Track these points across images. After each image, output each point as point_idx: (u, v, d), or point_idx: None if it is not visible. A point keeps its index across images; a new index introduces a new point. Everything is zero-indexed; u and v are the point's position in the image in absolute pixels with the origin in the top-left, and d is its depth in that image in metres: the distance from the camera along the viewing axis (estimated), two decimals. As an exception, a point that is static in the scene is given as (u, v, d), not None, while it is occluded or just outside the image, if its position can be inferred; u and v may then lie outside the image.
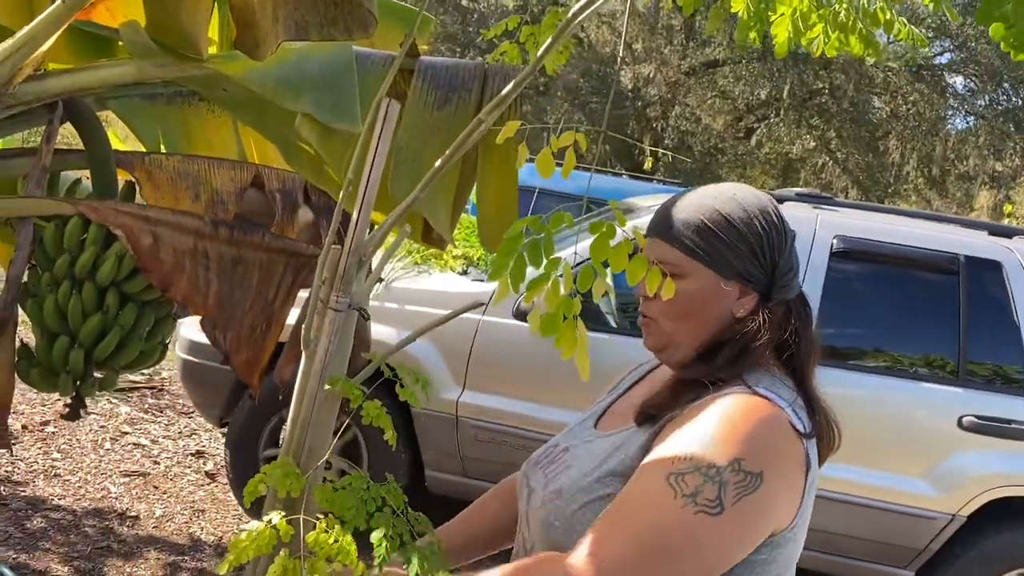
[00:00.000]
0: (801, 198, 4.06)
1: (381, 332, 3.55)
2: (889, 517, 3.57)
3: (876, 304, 3.86)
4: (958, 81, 17.23)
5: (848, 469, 3.42)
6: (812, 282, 3.56)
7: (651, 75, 16.72)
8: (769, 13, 1.43)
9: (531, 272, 0.97)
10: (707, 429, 1.06)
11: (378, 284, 3.55)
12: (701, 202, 1.19)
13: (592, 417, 1.33)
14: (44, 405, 4.72)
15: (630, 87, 17.09)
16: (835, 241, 3.73)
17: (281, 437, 3.92)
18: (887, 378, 3.69)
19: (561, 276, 0.92)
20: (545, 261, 0.92)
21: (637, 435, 1.16)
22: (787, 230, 1.21)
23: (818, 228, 3.74)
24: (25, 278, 1.82)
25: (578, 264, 0.89)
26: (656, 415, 1.14)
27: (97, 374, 1.92)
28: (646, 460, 1.08)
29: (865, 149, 17.65)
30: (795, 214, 3.71)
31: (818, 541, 3.16)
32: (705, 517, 1.00)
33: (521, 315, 3.71)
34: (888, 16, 1.35)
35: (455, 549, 1.39)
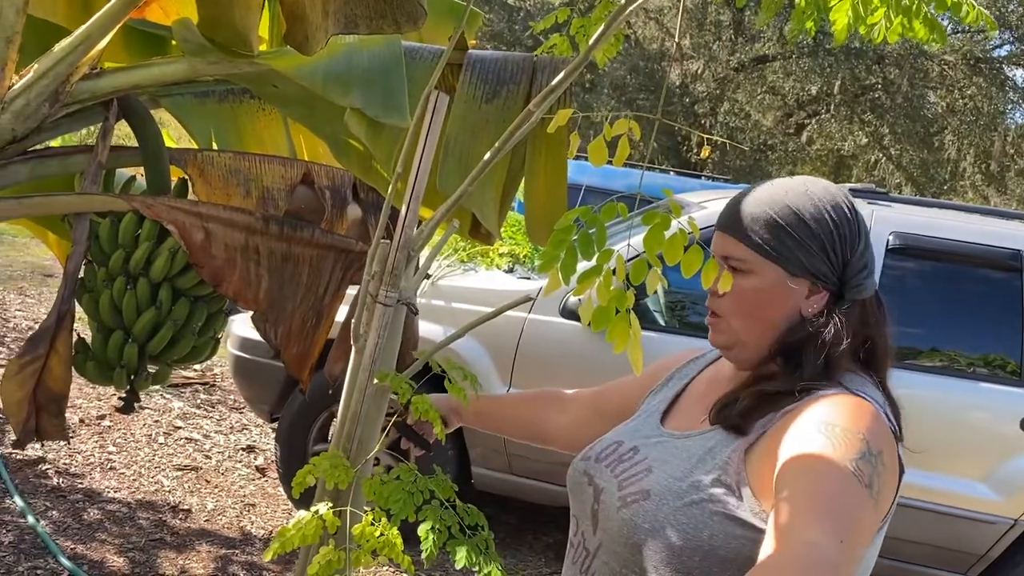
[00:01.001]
0: (856, 193, 3.97)
1: (428, 330, 3.56)
2: (947, 521, 3.47)
3: (933, 302, 3.76)
4: (1018, 74, 16.76)
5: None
6: (867, 279, 3.48)
7: (699, 71, 16.55)
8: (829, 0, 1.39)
9: (582, 265, 0.95)
10: (838, 420, 1.03)
11: (424, 281, 3.56)
12: (772, 196, 1.16)
13: (655, 414, 1.29)
14: (100, 399, 4.82)
15: (678, 83, 16.94)
16: (891, 237, 3.64)
17: (330, 433, 3.95)
18: (945, 378, 3.59)
19: (613, 268, 0.90)
20: (597, 253, 0.90)
21: (727, 440, 1.12)
22: (861, 227, 1.17)
23: (873, 224, 3.65)
24: (81, 273, 1.86)
25: (631, 258, 0.87)
26: (741, 424, 1.11)
27: (151, 368, 1.95)
28: (786, 456, 1.02)
29: (920, 145, 17.25)
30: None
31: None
32: (874, 507, 0.99)
33: (568, 313, 3.69)
34: (954, -1, 1.30)
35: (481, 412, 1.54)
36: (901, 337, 4.10)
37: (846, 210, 1.16)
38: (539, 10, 17.38)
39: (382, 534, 1.06)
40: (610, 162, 1.02)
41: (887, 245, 3.62)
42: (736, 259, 1.15)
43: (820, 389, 1.10)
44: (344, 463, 1.21)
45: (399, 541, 1.05)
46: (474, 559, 0.98)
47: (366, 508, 1.15)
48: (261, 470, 4.43)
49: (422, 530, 1.04)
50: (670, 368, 1.40)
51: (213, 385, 5.56)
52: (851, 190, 4.01)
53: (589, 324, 0.89)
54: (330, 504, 1.12)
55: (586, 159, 1.08)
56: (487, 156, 1.23)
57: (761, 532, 1.01)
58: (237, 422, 5.04)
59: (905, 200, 4.36)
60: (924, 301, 3.77)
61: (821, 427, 1.02)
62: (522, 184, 1.83)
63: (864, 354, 1.18)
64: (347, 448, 1.32)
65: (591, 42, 1.11)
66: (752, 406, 1.12)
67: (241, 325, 4.02)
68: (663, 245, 0.88)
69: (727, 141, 1.33)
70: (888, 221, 3.71)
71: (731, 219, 1.18)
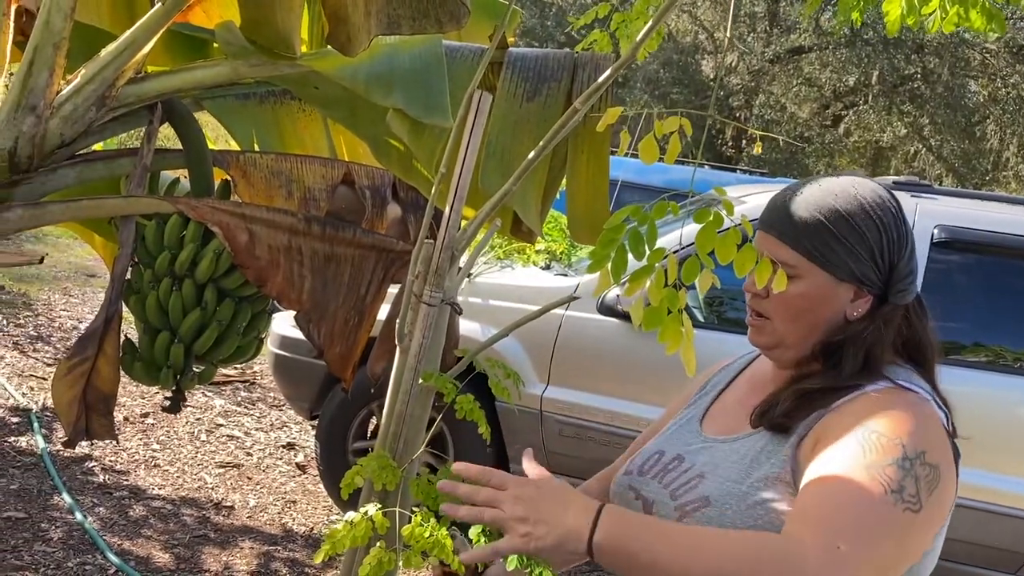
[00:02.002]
0: (899, 186, 3.90)
1: (466, 327, 3.56)
2: (995, 520, 3.40)
3: (980, 296, 3.68)
4: (1063, 61, 16.35)
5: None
6: (911, 274, 3.42)
7: (734, 64, 16.38)
8: (882, -10, 1.36)
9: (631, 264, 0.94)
10: (878, 425, 1.02)
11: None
12: (821, 199, 1.14)
13: (693, 421, 1.28)
14: (144, 398, 4.90)
15: (712, 76, 16.78)
16: (936, 231, 3.57)
17: (369, 429, 3.98)
18: (992, 374, 3.52)
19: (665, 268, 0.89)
20: (648, 252, 0.89)
21: (777, 439, 1.12)
22: (908, 232, 1.16)
23: (917, 217, 3.58)
24: (128, 275, 1.89)
25: (678, 250, 0.86)
26: (786, 424, 1.10)
27: (196, 368, 1.98)
28: (822, 451, 1.03)
29: (961, 135, 16.92)
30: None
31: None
32: (911, 515, 0.98)
33: (606, 310, 3.67)
34: (1015, -14, 1.26)
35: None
36: (947, 332, 4.02)
37: (894, 215, 1.15)
38: (571, 6, 17.32)
39: (431, 534, 1.06)
40: (661, 159, 1.01)
41: (932, 239, 3.55)
42: (784, 263, 1.13)
43: (867, 384, 1.09)
44: (392, 464, 1.22)
45: (449, 542, 1.05)
46: (524, 561, 0.98)
47: (414, 508, 1.15)
48: (301, 467, 4.47)
49: (473, 532, 1.04)
50: (699, 383, 1.39)
51: (253, 383, 5.63)
52: (894, 183, 3.93)
53: (640, 325, 0.88)
54: (379, 505, 1.12)
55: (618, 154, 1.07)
56: (531, 155, 1.22)
57: None
58: (277, 419, 5.09)
59: (949, 192, 4.27)
60: (970, 295, 3.69)
61: (859, 433, 1.02)
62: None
63: (909, 352, 1.17)
64: (393, 448, 1.33)
65: (637, 39, 1.10)
66: (793, 407, 1.11)
67: (281, 323, 4.06)
68: (716, 243, 0.86)
69: (770, 135, 1.30)
70: (932, 214, 3.63)
71: (778, 221, 1.15)
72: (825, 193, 1.15)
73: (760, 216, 1.19)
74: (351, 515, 1.11)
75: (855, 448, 1.00)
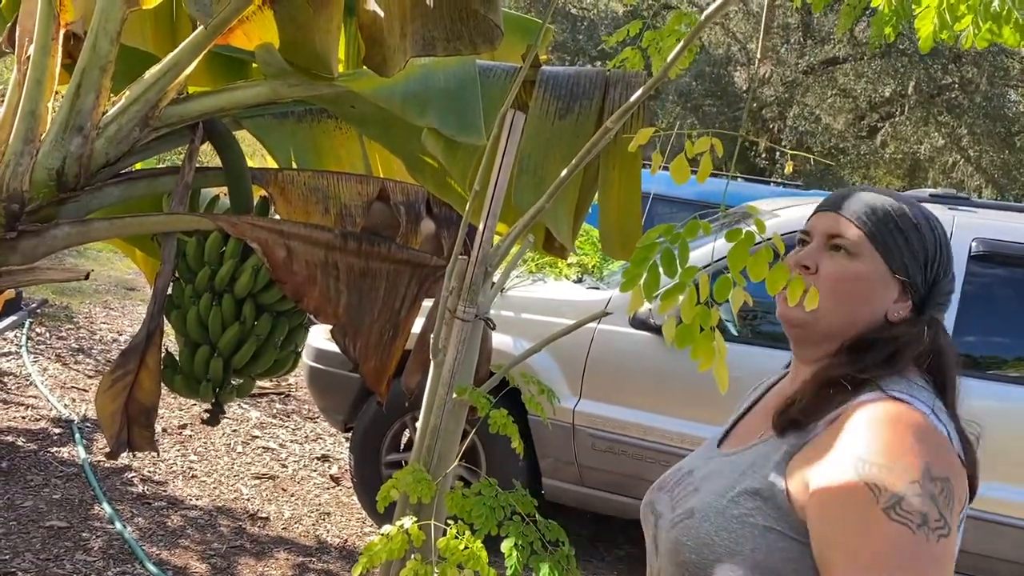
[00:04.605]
0: (936, 199, 3.86)
1: (498, 341, 3.58)
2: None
3: (1020, 310, 3.62)
4: (1105, 70, 16.03)
5: (989, 485, 3.21)
6: (948, 287, 3.37)
7: (767, 75, 16.29)
8: (913, 6, 1.36)
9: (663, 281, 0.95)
10: (870, 452, 0.99)
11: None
12: (889, 196, 1.18)
13: (716, 437, 1.30)
14: (181, 409, 4.98)
15: (745, 88, 16.71)
16: (974, 244, 3.52)
17: (403, 442, 4.00)
18: (1033, 389, 3.45)
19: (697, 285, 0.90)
20: (680, 271, 0.90)
21: (768, 450, 1.11)
22: (951, 257, 1.18)
23: (955, 230, 3.54)
24: (169, 290, 1.93)
25: (711, 264, 0.87)
26: (801, 420, 1.09)
27: (235, 381, 2.02)
28: (824, 498, 1.00)
29: (1001, 145, 16.63)
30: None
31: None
32: (944, 540, 0.95)
33: (638, 323, 3.67)
34: (1051, 2, 1.25)
35: None
36: (986, 346, 3.95)
37: (946, 237, 1.18)
38: (603, 20, 17.35)
39: (467, 547, 1.08)
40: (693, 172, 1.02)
41: (970, 252, 3.51)
42: (846, 239, 1.14)
43: (861, 391, 1.07)
44: (427, 477, 1.23)
45: (484, 554, 1.06)
46: (558, 575, 0.99)
47: (448, 521, 1.16)
48: (335, 479, 4.51)
49: (506, 546, 1.05)
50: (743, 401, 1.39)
51: (288, 395, 5.69)
52: (931, 195, 3.89)
53: (673, 343, 0.89)
54: (414, 518, 1.14)
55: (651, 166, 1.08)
56: (564, 173, 1.24)
57: (801, 542, 1.01)
58: (312, 431, 5.14)
59: (987, 204, 4.21)
60: (1010, 308, 3.63)
61: (855, 469, 0.98)
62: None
63: (931, 366, 1.15)
64: (427, 461, 1.35)
65: (668, 59, 1.12)
66: (812, 400, 1.10)
67: (315, 336, 4.11)
68: (748, 261, 0.87)
69: (801, 153, 1.31)
70: (970, 227, 3.59)
71: (845, 201, 1.17)
72: (890, 193, 1.18)
73: (821, 203, 1.21)
74: (387, 528, 1.13)
75: (863, 494, 0.96)
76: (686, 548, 1.10)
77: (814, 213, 1.21)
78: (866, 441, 1.00)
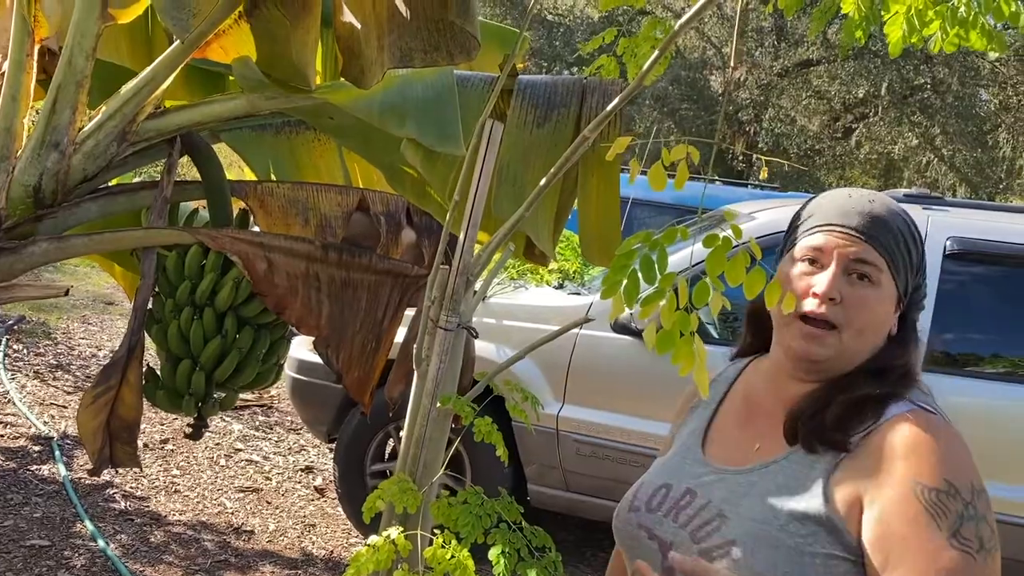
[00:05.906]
0: (910, 199, 3.90)
1: (480, 347, 3.58)
2: (1015, 532, 3.38)
3: (994, 307, 3.67)
4: (1073, 68, 16.28)
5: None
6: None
7: (742, 78, 16.41)
8: (881, 12, 1.38)
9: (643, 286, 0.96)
10: (924, 466, 1.00)
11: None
12: (897, 211, 1.13)
13: (694, 447, 1.22)
14: (163, 424, 4.94)
15: (720, 91, 16.82)
16: (948, 243, 3.57)
17: (387, 452, 4.00)
18: (1008, 385, 3.50)
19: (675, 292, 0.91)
20: (659, 277, 0.91)
21: (798, 469, 1.08)
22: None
23: (930, 229, 3.59)
24: (150, 305, 1.93)
25: (691, 267, 0.88)
26: (841, 439, 1.06)
27: (217, 395, 2.01)
28: (887, 524, 0.99)
29: (973, 144, 16.85)
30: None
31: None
32: (997, 554, 0.98)
33: (620, 328, 3.68)
34: (1014, 7, 1.28)
35: None
36: (962, 344, 3.99)
37: (922, 238, 1.16)
38: (579, 26, 17.42)
39: (453, 556, 1.08)
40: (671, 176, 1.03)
41: (944, 251, 3.56)
42: (869, 265, 1.09)
43: (891, 404, 1.07)
44: (412, 487, 1.24)
45: (471, 563, 1.07)
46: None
47: (435, 531, 1.17)
48: (320, 490, 4.49)
49: (493, 554, 1.06)
50: (691, 399, 1.32)
51: (271, 407, 5.66)
52: (905, 195, 3.94)
53: (654, 348, 0.90)
54: (401, 528, 1.14)
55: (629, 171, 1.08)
56: (543, 182, 1.25)
57: (856, 563, 1.01)
58: (295, 443, 5.12)
59: (961, 204, 4.27)
60: (985, 306, 3.68)
61: (911, 492, 0.98)
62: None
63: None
64: (412, 471, 1.35)
65: (646, 65, 1.13)
66: (844, 420, 1.07)
67: (298, 348, 4.09)
68: (724, 267, 0.89)
69: (775, 160, 1.32)
70: (945, 226, 3.64)
71: (863, 221, 1.10)
72: (889, 201, 1.14)
73: (828, 217, 1.13)
74: (373, 539, 1.13)
75: (925, 520, 0.96)
76: None
77: (823, 227, 1.12)
78: (917, 462, 1.01)
